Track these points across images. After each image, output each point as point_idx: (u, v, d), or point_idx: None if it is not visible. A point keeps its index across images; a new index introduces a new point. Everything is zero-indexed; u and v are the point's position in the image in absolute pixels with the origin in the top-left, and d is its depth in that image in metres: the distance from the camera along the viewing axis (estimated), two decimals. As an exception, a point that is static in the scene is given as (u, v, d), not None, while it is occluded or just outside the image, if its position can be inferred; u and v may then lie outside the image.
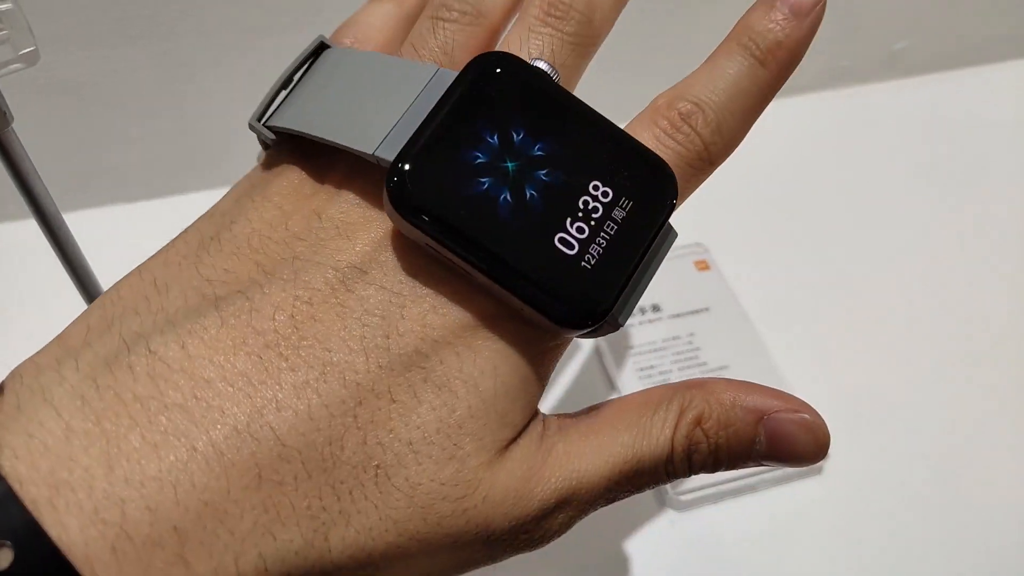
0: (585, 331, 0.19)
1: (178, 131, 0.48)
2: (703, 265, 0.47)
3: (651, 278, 0.20)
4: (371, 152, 0.19)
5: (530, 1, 0.22)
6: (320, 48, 0.22)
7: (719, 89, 0.21)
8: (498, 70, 0.19)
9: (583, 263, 0.18)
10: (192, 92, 0.46)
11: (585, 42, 0.22)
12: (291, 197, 0.20)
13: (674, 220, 0.52)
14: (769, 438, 0.20)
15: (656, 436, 0.20)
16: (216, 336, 0.17)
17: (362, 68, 0.21)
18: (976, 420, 0.41)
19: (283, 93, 0.22)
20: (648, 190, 0.19)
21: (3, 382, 0.17)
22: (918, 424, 0.41)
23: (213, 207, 0.21)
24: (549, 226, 0.18)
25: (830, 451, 0.37)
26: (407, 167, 0.18)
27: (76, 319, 0.18)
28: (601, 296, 0.19)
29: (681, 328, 0.44)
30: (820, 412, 0.39)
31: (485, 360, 0.19)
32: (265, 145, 0.22)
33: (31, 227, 0.27)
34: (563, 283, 0.18)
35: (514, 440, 0.19)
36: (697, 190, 0.55)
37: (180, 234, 0.20)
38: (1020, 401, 0.41)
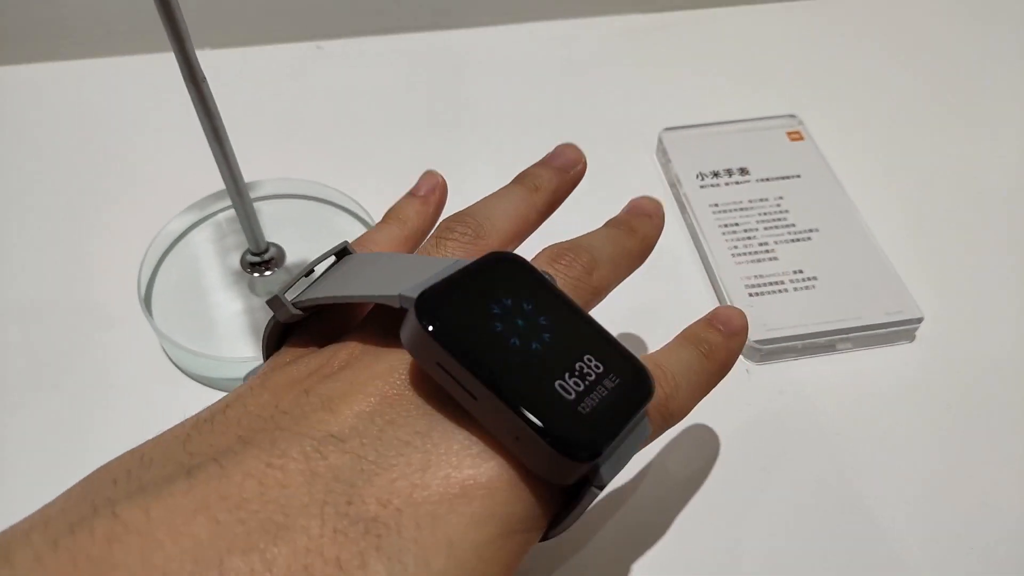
0: (576, 470, 0.19)
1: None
2: (796, 136, 0.45)
3: (628, 457, 0.20)
4: (395, 294, 0.20)
5: (540, 252, 0.25)
6: (343, 252, 0.24)
7: (680, 359, 0.24)
8: (511, 260, 0.22)
9: (579, 408, 0.19)
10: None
11: (584, 287, 0.25)
12: (286, 383, 0.21)
13: (769, 93, 0.50)
14: None
15: None
16: (180, 500, 0.17)
17: (385, 259, 0.23)
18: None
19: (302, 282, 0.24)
20: (632, 377, 0.20)
21: None
22: (1010, 292, 0.38)
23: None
24: (550, 372, 0.19)
25: (923, 316, 0.36)
26: (434, 292, 0.20)
27: (64, 492, 0.19)
28: (596, 436, 0.19)
29: (769, 191, 0.41)
30: (917, 283, 0.37)
31: (443, 533, 0.18)
32: (276, 321, 0.23)
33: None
34: (561, 416, 0.18)
35: None
36: (792, 64, 0.53)
37: (184, 420, 0.21)
38: None
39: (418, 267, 0.21)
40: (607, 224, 0.28)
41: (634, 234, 0.27)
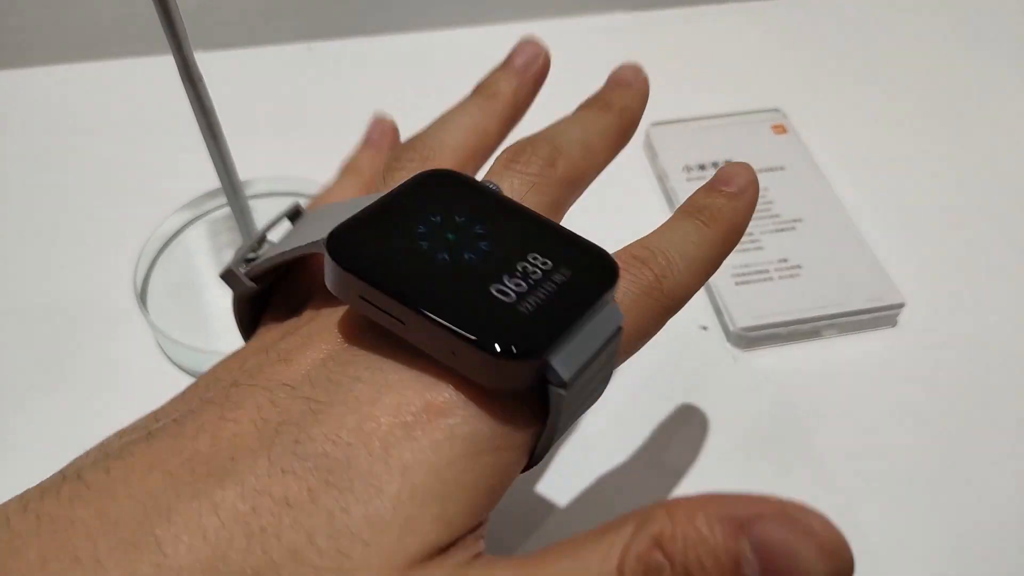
0: (520, 370, 0.17)
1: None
2: (780, 129, 0.46)
3: (596, 346, 0.18)
4: (321, 238, 0.19)
5: (497, 155, 0.23)
6: (296, 213, 0.24)
7: (674, 240, 0.22)
8: (443, 176, 0.21)
9: (519, 308, 0.18)
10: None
11: (547, 182, 0.23)
12: (255, 348, 0.21)
13: (753, 88, 0.50)
14: (760, 554, 0.15)
15: (599, 564, 0.16)
16: (138, 459, 0.17)
17: (330, 208, 0.22)
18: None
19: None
20: (589, 266, 0.19)
21: None
22: (987, 276, 0.39)
23: None
24: (485, 278, 0.18)
25: (904, 302, 0.37)
26: (348, 226, 0.19)
27: None
28: (536, 331, 0.17)
29: (754, 183, 0.42)
30: (898, 269, 0.39)
31: (396, 459, 0.17)
32: (238, 297, 0.23)
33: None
34: (496, 318, 0.17)
35: (423, 561, 0.17)
36: (777, 59, 0.54)
37: None
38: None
39: (352, 207, 0.20)
40: (579, 106, 0.26)
41: (609, 109, 0.25)
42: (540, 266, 0.19)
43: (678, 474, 0.32)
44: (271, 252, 0.22)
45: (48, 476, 0.18)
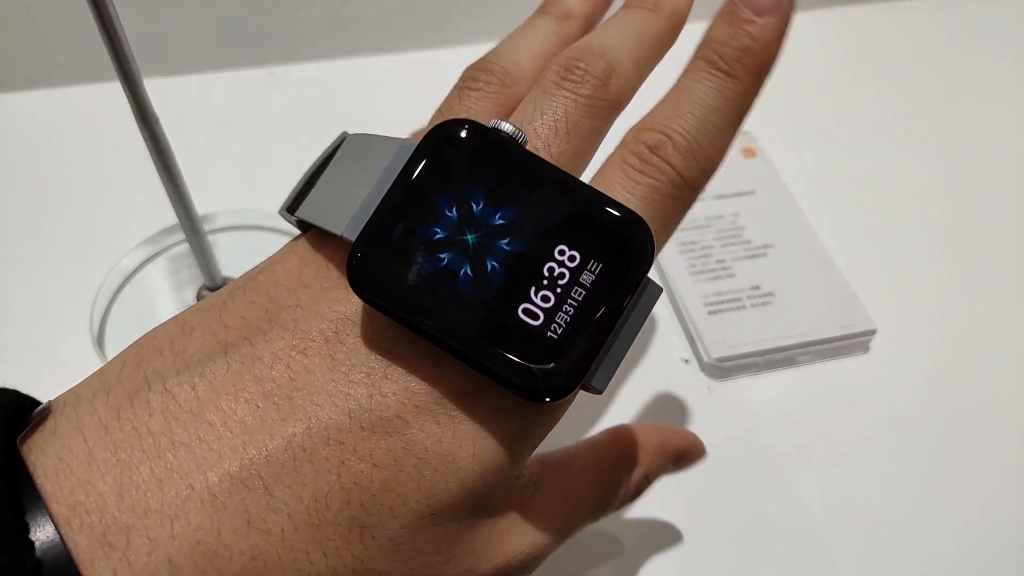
0: (559, 400, 0.18)
1: None
2: (750, 152, 0.46)
3: (632, 338, 0.19)
4: (340, 233, 0.19)
5: (548, 66, 0.22)
6: (341, 141, 0.22)
7: (686, 112, 0.21)
8: (455, 137, 0.18)
9: (549, 334, 0.17)
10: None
11: (601, 105, 0.21)
12: (311, 253, 0.21)
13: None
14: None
15: (618, 499, 0.24)
16: (221, 381, 0.18)
17: (351, 149, 0.21)
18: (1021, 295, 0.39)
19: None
20: (621, 249, 0.18)
21: (47, 407, 0.19)
22: (957, 303, 0.40)
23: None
24: (513, 298, 0.17)
25: (876, 328, 0.37)
26: (361, 252, 0.18)
27: (117, 355, 0.20)
28: (567, 370, 0.17)
29: (725, 208, 0.42)
30: (870, 295, 0.38)
31: (464, 433, 0.18)
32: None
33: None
34: (528, 357, 0.17)
35: (492, 501, 0.20)
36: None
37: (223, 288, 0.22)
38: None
39: (367, 168, 0.19)
40: (626, 5, 0.23)
41: (659, 12, 0.23)
42: (568, 263, 0.18)
43: (654, 508, 0.32)
44: (306, 210, 0.21)
45: (116, 363, 0.19)
